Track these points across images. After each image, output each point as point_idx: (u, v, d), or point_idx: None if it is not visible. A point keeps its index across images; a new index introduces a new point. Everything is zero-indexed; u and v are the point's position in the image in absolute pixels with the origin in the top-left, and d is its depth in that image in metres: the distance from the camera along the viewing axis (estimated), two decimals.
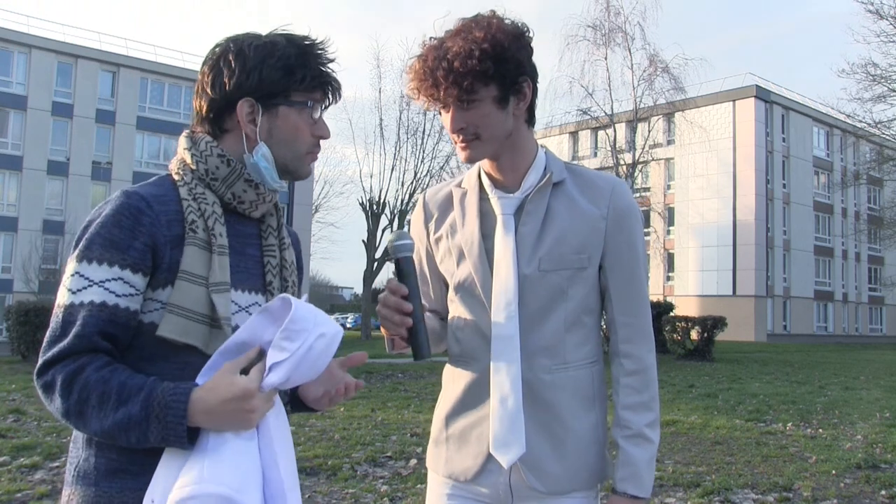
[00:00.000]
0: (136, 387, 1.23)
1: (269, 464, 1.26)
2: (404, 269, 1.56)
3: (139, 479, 1.26)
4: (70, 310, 1.27)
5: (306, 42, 1.43)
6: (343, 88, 1.50)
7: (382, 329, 1.64)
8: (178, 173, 1.41)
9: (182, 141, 1.44)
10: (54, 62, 36.03)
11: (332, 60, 1.45)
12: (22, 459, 6.22)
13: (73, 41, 36.86)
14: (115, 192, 1.36)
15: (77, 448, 1.34)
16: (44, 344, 1.28)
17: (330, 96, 1.46)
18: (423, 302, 1.68)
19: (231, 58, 1.39)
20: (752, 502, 5.39)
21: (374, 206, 35.87)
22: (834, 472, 6.31)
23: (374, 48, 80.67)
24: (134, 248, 1.29)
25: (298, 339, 1.24)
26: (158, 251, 1.31)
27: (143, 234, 1.30)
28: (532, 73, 1.61)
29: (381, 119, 36.97)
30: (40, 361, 1.26)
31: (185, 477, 1.19)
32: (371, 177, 54.47)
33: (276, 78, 1.38)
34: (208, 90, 1.41)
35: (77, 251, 1.30)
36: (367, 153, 71.12)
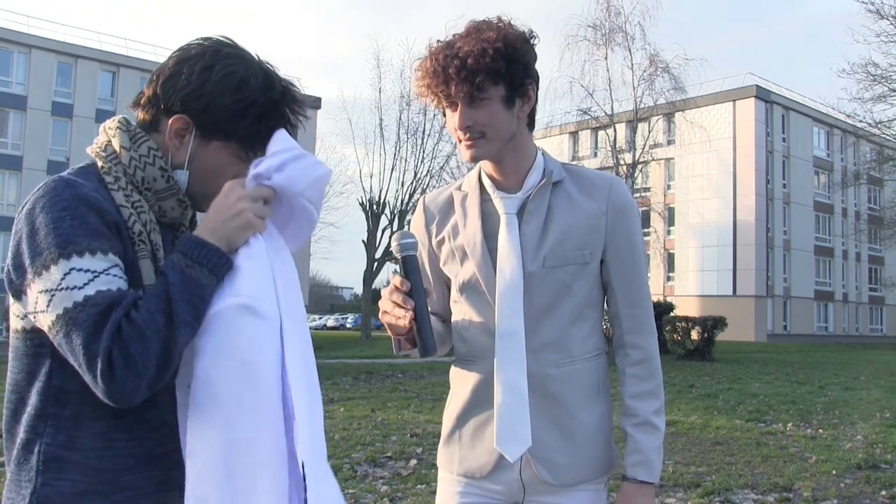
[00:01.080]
0: (156, 286, 1.18)
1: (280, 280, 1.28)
2: (409, 267, 1.58)
3: (108, 498, 1.20)
4: (87, 302, 1.12)
5: (281, 93, 1.34)
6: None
7: (388, 329, 1.65)
8: (108, 172, 1.27)
9: (117, 133, 1.30)
10: (54, 62, 36.04)
11: (297, 117, 1.39)
12: None
13: (72, 41, 36.87)
14: (49, 181, 1.20)
15: (28, 472, 1.19)
16: (83, 360, 1.11)
17: None
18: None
19: (196, 67, 1.29)
20: (753, 502, 5.39)
21: (374, 206, 35.89)
22: (834, 472, 6.31)
23: (374, 48, 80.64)
24: (112, 233, 1.20)
25: (286, 146, 1.28)
26: (123, 240, 1.23)
27: (111, 224, 1.20)
28: (536, 78, 1.66)
29: (381, 119, 37.02)
30: (99, 360, 1.10)
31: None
32: (371, 177, 54.40)
33: (226, 117, 1.30)
34: (161, 81, 1.32)
35: (54, 250, 1.13)
36: (367, 153, 71.29)
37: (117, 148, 1.29)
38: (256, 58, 1.37)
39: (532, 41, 1.65)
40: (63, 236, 1.14)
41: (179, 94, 1.29)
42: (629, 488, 1.64)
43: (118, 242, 1.20)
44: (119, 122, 1.34)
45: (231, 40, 1.38)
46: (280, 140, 1.29)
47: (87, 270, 1.13)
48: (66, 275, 1.13)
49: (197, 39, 1.36)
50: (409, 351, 1.69)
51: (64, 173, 1.25)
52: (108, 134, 1.32)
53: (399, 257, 1.59)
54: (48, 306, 1.13)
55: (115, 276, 1.16)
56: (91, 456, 1.20)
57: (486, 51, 1.55)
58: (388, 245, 36.19)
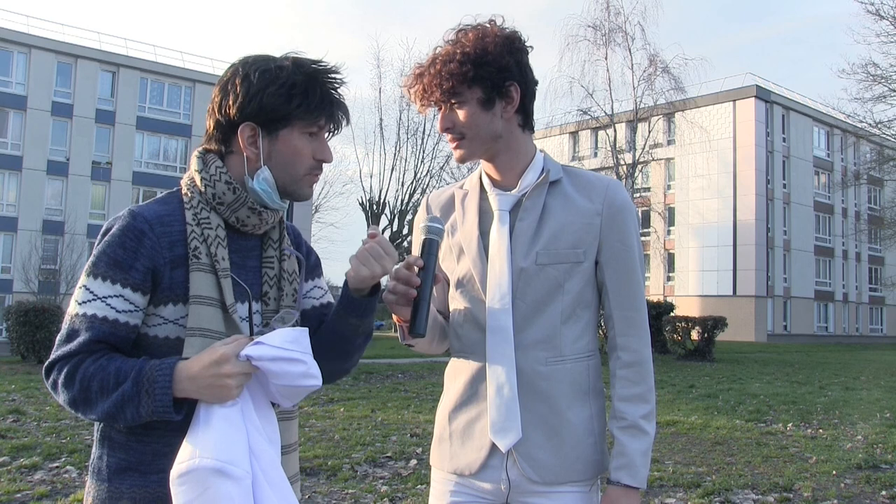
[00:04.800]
0: (130, 367, 1.35)
1: (254, 436, 1.36)
2: (429, 249, 1.60)
3: (147, 477, 1.39)
4: (75, 319, 1.39)
5: (314, 67, 1.48)
6: (350, 111, 1.55)
7: (395, 317, 1.66)
8: (186, 194, 1.49)
9: (194, 161, 1.52)
10: (54, 62, 36.02)
11: (339, 86, 1.51)
12: (21, 460, 6.21)
13: (72, 41, 36.83)
14: (125, 210, 1.45)
15: (95, 445, 1.47)
16: (54, 346, 1.41)
17: (335, 121, 1.52)
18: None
19: (237, 82, 1.46)
20: (753, 503, 5.39)
21: (374, 207, 35.89)
22: (834, 472, 6.31)
23: (375, 48, 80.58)
24: (135, 269, 1.39)
25: (294, 343, 1.36)
26: (158, 272, 1.41)
27: (144, 256, 1.40)
28: (521, 79, 1.67)
29: (381, 119, 37.00)
30: (47, 362, 1.40)
31: (182, 453, 1.31)
32: (371, 177, 54.51)
33: (277, 104, 1.44)
34: (216, 112, 1.49)
35: (87, 265, 1.42)
36: (367, 153, 71.13)
37: (194, 173, 1.50)
38: (280, 54, 1.52)
39: (518, 43, 1.66)
40: (96, 256, 1.41)
41: (235, 108, 1.45)
42: (613, 492, 1.64)
43: (136, 276, 1.39)
44: (197, 152, 1.53)
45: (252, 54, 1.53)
46: (290, 338, 1.37)
47: (91, 292, 1.39)
48: (81, 287, 1.41)
49: (227, 67, 1.52)
50: (412, 342, 1.71)
51: (147, 201, 1.49)
52: (190, 164, 1.53)
53: (423, 237, 1.62)
54: (73, 297, 1.42)
55: (108, 304, 1.38)
56: (134, 439, 1.40)
57: (455, 55, 1.61)
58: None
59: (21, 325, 17.04)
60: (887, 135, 27.14)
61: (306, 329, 1.40)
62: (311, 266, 1.68)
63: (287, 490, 1.39)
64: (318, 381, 1.38)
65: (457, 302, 1.77)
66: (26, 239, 33.78)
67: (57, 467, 6.02)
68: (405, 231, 36.12)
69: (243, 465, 1.30)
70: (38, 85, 35.39)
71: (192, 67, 40.16)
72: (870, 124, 26.31)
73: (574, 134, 43.94)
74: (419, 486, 5.54)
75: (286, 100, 1.44)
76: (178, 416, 1.33)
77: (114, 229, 1.42)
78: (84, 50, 36.78)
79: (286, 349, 1.35)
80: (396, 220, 36.41)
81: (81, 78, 36.54)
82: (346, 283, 1.56)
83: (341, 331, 1.57)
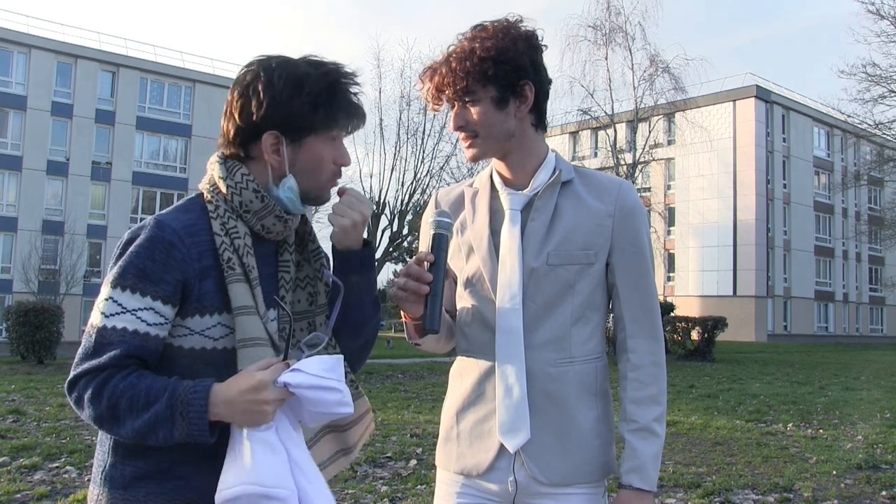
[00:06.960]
0: (162, 387, 1.32)
1: (295, 451, 1.37)
2: (439, 244, 1.59)
3: (163, 485, 1.38)
4: (103, 332, 1.34)
5: (336, 74, 1.47)
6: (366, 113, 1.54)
7: (403, 315, 1.65)
8: (210, 202, 1.45)
9: (216, 167, 1.48)
10: (54, 62, 35.99)
11: (357, 91, 1.50)
12: (21, 460, 6.22)
13: (72, 41, 36.78)
14: (150, 219, 1.41)
15: (104, 452, 1.43)
16: (76, 359, 1.36)
17: (354, 126, 1.51)
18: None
19: (261, 87, 1.42)
20: (753, 503, 5.38)
21: (374, 207, 35.85)
22: (834, 472, 6.31)
23: (374, 48, 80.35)
24: (165, 281, 1.36)
25: (330, 371, 1.35)
26: (188, 284, 1.39)
27: (174, 269, 1.37)
28: (536, 78, 1.66)
29: (381, 119, 36.76)
30: (71, 374, 1.35)
31: (225, 478, 1.31)
32: (371, 177, 54.01)
33: (304, 113, 1.42)
34: (236, 117, 1.44)
35: (112, 276, 1.37)
36: (367, 153, 70.69)
37: (217, 179, 1.46)
38: (297, 57, 1.50)
39: (534, 41, 1.65)
40: (122, 267, 1.36)
41: (258, 115, 1.42)
42: (624, 495, 1.62)
43: (167, 288, 1.36)
44: (217, 156, 1.49)
45: (267, 55, 1.50)
46: (327, 366, 1.36)
47: (119, 304, 1.35)
48: (106, 298, 1.36)
49: (243, 68, 1.49)
50: (421, 340, 1.70)
51: (168, 209, 1.45)
52: (210, 168, 1.49)
53: (432, 232, 1.60)
54: (96, 308, 1.38)
55: (138, 317, 1.34)
56: (151, 447, 1.36)
57: (474, 52, 1.59)
58: (388, 245, 36.25)
59: (21, 326, 17.06)
60: (887, 135, 27.10)
61: (342, 356, 1.39)
62: None
63: (331, 499, 1.41)
64: (351, 409, 1.38)
65: (465, 301, 1.75)
66: (26, 239, 33.75)
67: (57, 467, 6.02)
68: (405, 231, 36.10)
69: (288, 485, 1.31)
70: (37, 85, 35.36)
71: (192, 67, 40.14)
72: (870, 125, 26.26)
73: (574, 134, 43.86)
74: (419, 486, 5.53)
75: (311, 109, 1.42)
76: (212, 439, 1.32)
77: (140, 239, 1.37)
78: (84, 50, 36.75)
79: (324, 377, 1.34)
80: (396, 220, 36.36)
81: (81, 78, 36.51)
82: (333, 247, 1.56)
83: (348, 297, 1.54)
